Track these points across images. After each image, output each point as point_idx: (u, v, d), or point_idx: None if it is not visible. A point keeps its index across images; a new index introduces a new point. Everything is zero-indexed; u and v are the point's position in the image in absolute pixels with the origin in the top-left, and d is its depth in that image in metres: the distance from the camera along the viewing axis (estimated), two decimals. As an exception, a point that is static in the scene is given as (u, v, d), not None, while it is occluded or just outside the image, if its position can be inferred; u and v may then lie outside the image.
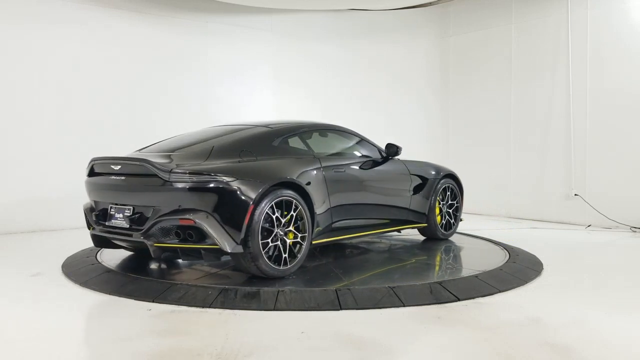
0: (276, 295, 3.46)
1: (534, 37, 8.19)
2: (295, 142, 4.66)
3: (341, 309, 3.32)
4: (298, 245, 4.05)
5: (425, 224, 5.61)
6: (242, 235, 3.68)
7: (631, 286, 4.06)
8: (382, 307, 3.36)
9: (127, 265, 4.43)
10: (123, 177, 4.03)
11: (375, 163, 5.13)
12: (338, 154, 5.02)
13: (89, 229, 4.48)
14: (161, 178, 3.74)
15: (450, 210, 5.92)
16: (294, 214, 4.02)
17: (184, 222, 3.69)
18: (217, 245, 3.66)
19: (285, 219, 3.95)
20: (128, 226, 3.95)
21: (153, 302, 3.47)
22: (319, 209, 4.31)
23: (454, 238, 6.01)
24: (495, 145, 8.75)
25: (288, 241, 3.97)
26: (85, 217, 4.48)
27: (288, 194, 3.97)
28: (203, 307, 3.36)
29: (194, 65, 8.19)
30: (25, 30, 6.80)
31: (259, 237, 3.74)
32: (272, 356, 2.57)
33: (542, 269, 4.48)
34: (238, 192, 3.74)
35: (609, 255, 5.50)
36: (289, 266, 3.95)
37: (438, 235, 5.73)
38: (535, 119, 8.17)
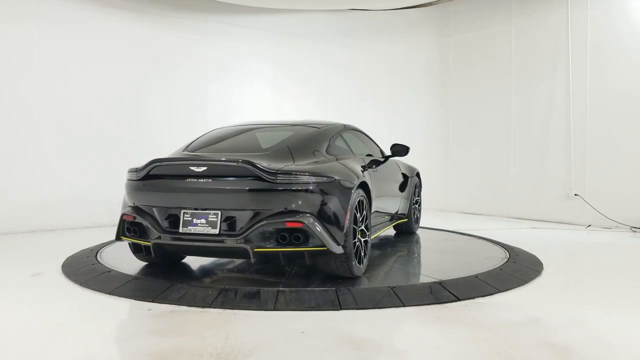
0: (276, 295, 3.46)
1: (534, 37, 8.19)
2: (340, 142, 4.73)
3: (341, 309, 3.32)
4: (365, 243, 4.14)
5: (406, 219, 5.98)
6: (344, 235, 3.71)
7: (631, 286, 4.06)
8: (382, 307, 3.36)
9: (127, 265, 4.42)
10: (210, 180, 3.70)
11: (382, 162, 5.26)
12: (367, 154, 5.15)
13: (119, 239, 4.10)
14: (266, 180, 3.60)
15: (417, 206, 6.33)
16: (365, 213, 4.14)
17: (291, 224, 3.58)
18: (322, 246, 3.61)
19: (360, 218, 4.05)
20: (217, 232, 3.67)
21: (153, 302, 3.47)
22: (371, 207, 4.46)
23: (454, 238, 6.01)
24: (495, 145, 8.75)
25: (363, 240, 4.07)
26: (123, 226, 4.04)
27: (362, 193, 4.09)
28: (203, 307, 3.36)
29: (194, 64, 8.19)
30: (24, 30, 6.80)
31: (352, 236, 3.81)
32: (272, 356, 2.57)
33: (542, 269, 4.48)
34: (339, 193, 3.77)
35: (609, 255, 5.49)
36: (363, 265, 4.06)
37: (413, 230, 6.18)
38: (535, 119, 8.18)
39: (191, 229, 3.71)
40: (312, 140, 4.37)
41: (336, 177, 3.80)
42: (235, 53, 8.54)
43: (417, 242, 5.87)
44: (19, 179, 6.76)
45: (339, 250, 3.65)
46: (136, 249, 4.24)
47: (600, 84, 7.37)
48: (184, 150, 4.41)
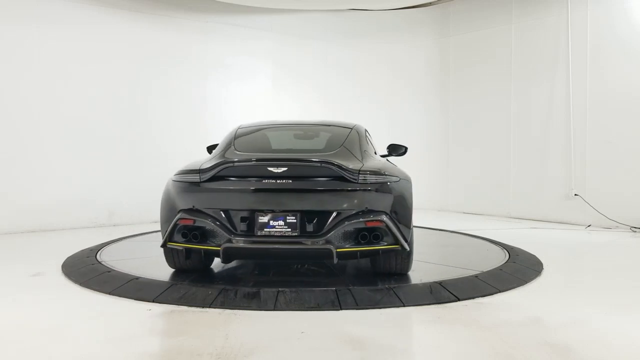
0: (276, 295, 3.46)
1: (534, 37, 8.19)
2: (369, 142, 4.78)
3: (341, 309, 3.32)
4: None
5: None
6: (410, 232, 3.81)
7: (631, 286, 4.06)
8: (382, 307, 3.36)
9: (127, 265, 4.42)
10: (289, 181, 3.64)
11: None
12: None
13: (165, 245, 3.89)
14: (349, 180, 3.64)
15: None
16: None
17: (371, 224, 3.62)
18: (395, 244, 3.69)
19: None
20: (297, 234, 3.60)
21: (153, 302, 3.47)
22: None
23: (454, 237, 6.00)
24: (495, 145, 8.75)
25: None
26: (175, 230, 3.80)
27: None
28: (203, 307, 3.36)
29: (194, 64, 8.19)
30: (24, 30, 6.80)
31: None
32: (272, 356, 2.57)
33: (542, 269, 4.48)
34: (405, 192, 3.89)
35: (609, 255, 5.49)
36: None
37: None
38: (535, 119, 8.18)
39: (268, 232, 3.61)
40: (359, 140, 4.44)
41: (401, 177, 3.92)
42: (235, 53, 8.54)
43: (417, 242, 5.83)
44: (19, 179, 6.76)
45: (408, 247, 3.77)
46: (187, 255, 4.01)
47: (600, 84, 7.37)
48: (225, 151, 4.19)
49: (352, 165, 3.75)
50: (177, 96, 8.04)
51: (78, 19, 7.18)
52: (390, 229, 3.64)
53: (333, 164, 3.62)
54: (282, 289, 3.56)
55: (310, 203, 3.63)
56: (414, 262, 4.70)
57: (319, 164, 3.64)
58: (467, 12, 9.24)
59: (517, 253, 4.98)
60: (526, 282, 4.02)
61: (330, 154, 4.03)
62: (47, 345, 2.75)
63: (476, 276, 4.01)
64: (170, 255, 4.10)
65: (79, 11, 7.18)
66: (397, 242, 3.68)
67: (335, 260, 3.59)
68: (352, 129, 4.65)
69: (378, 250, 3.72)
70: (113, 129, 7.48)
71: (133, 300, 3.53)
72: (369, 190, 3.66)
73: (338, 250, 3.57)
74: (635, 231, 6.80)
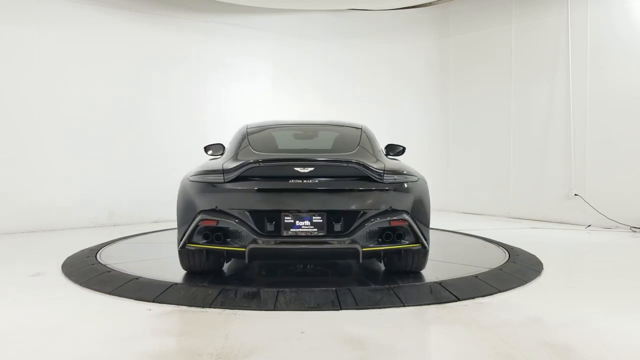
0: (276, 295, 3.46)
1: (534, 37, 8.19)
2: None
3: (341, 309, 3.32)
4: None
5: None
6: (428, 231, 3.92)
7: (631, 286, 4.06)
8: (382, 307, 3.36)
9: (127, 265, 4.42)
10: (315, 180, 3.64)
11: None
12: None
13: (183, 247, 3.80)
14: (374, 180, 3.68)
15: None
16: None
17: (395, 223, 3.69)
18: (416, 243, 3.80)
19: None
20: (324, 233, 3.62)
21: (153, 302, 3.47)
22: None
23: (454, 237, 6.00)
24: (495, 145, 8.75)
25: None
26: (195, 232, 3.72)
27: None
28: (203, 307, 3.36)
29: (194, 64, 8.19)
30: (24, 30, 6.80)
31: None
32: (272, 356, 2.57)
33: (542, 269, 4.48)
34: (424, 191, 3.98)
35: (609, 255, 5.49)
36: None
37: None
38: (535, 119, 8.17)
39: (294, 232, 3.62)
40: (371, 140, 4.49)
41: (419, 176, 3.98)
42: (235, 53, 8.54)
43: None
44: (19, 179, 6.76)
45: (428, 245, 3.85)
46: (206, 257, 3.94)
47: (600, 84, 7.37)
48: (240, 151, 4.14)
49: (375, 165, 3.81)
50: (177, 96, 8.04)
51: (78, 19, 7.18)
52: (412, 228, 3.74)
53: (360, 164, 3.66)
54: (282, 289, 3.56)
55: (336, 203, 3.66)
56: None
57: (346, 164, 3.67)
58: (467, 12, 9.24)
59: (517, 253, 4.98)
60: (526, 282, 4.01)
61: (350, 154, 4.07)
62: (47, 345, 2.75)
63: (476, 276, 4.01)
64: (187, 257, 3.98)
65: (79, 11, 7.18)
66: (417, 240, 3.79)
67: (361, 260, 3.63)
68: (361, 129, 4.67)
69: (400, 249, 3.79)
70: (113, 129, 7.48)
71: (133, 300, 3.53)
72: (393, 190, 3.73)
73: (363, 249, 3.61)
74: (635, 231, 6.79)
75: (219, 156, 5.12)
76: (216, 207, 3.67)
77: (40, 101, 6.92)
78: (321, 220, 3.62)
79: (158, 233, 6.37)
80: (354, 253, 3.60)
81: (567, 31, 7.72)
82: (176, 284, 3.74)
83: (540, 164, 8.10)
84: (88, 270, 4.25)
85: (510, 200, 8.51)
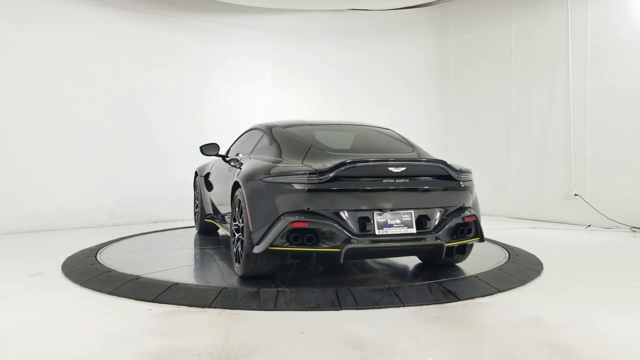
0: (276, 295, 3.46)
1: (534, 37, 8.19)
2: None
3: (341, 309, 3.32)
4: None
5: None
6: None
7: (631, 286, 4.06)
8: (382, 307, 3.36)
9: (127, 265, 4.42)
10: (407, 180, 3.75)
11: None
12: None
13: (265, 250, 3.61)
14: (455, 179, 3.93)
15: None
16: None
17: (467, 219, 3.92)
18: (476, 237, 4.02)
19: None
20: (414, 231, 3.70)
21: (153, 302, 3.47)
22: None
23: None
24: (495, 145, 8.75)
25: None
26: (280, 234, 3.56)
27: None
28: (203, 307, 3.36)
29: (194, 64, 8.19)
30: (24, 30, 6.80)
31: None
32: (272, 356, 2.57)
33: (542, 269, 4.48)
34: (474, 188, 4.19)
35: (609, 255, 5.49)
36: None
37: None
38: (535, 119, 8.17)
39: (387, 231, 3.67)
40: (409, 141, 4.71)
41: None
42: (235, 53, 8.54)
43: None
44: (19, 179, 6.76)
45: (484, 239, 4.09)
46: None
47: (600, 84, 7.37)
48: (308, 151, 4.12)
49: (454, 165, 4.04)
50: (177, 96, 8.04)
51: (78, 18, 7.18)
52: (477, 223, 4.00)
53: (446, 164, 3.89)
54: (282, 289, 3.56)
55: (424, 201, 3.84)
56: (413, 262, 4.71)
57: (433, 164, 3.89)
58: (467, 12, 9.24)
59: (517, 253, 4.98)
60: (526, 282, 4.02)
61: (413, 154, 4.34)
62: (47, 345, 2.75)
63: (476, 276, 4.01)
64: (254, 261, 3.80)
65: (79, 11, 7.18)
66: (477, 234, 4.02)
67: (444, 255, 3.92)
68: (393, 131, 4.96)
69: (466, 243, 4.05)
70: (113, 128, 7.48)
71: (133, 300, 3.53)
72: (466, 188, 4.01)
73: (446, 244, 3.79)
74: (635, 231, 6.79)
75: (214, 156, 5.23)
76: (308, 208, 3.60)
77: (40, 101, 6.92)
78: (410, 219, 3.74)
79: (158, 233, 6.37)
80: (440, 248, 3.78)
81: (567, 31, 7.72)
82: (176, 284, 3.74)
83: (540, 164, 8.10)
84: (88, 270, 4.25)
85: (510, 200, 8.51)
